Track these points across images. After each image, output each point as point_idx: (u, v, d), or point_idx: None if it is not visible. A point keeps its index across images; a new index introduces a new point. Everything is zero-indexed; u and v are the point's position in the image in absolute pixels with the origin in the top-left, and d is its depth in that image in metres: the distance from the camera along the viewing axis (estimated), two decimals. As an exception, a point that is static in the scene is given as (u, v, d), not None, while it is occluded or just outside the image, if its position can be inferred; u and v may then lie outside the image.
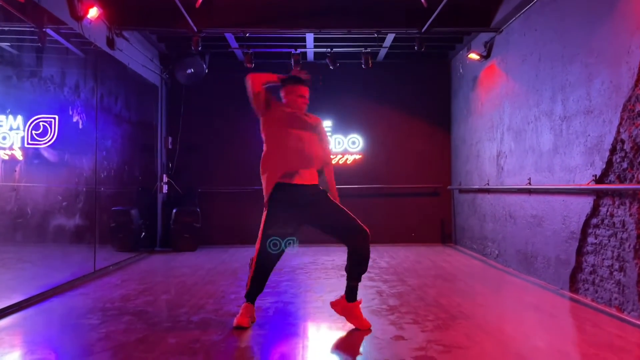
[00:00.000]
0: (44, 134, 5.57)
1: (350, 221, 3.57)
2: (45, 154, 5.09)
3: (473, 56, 7.11)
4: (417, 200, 8.89)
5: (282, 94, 3.86)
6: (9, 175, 4.86)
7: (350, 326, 3.60)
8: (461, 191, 8.33)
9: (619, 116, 3.99)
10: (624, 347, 3.19)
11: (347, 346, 3.25)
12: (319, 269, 6.09)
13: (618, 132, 4.01)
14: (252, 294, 3.63)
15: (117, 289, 5.03)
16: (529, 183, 5.61)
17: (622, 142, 3.96)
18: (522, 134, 5.89)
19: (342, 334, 3.49)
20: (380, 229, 8.66)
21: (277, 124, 3.69)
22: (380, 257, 7.17)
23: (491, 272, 6.04)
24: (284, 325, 3.70)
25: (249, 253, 7.35)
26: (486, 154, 7.11)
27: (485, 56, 6.96)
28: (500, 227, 6.53)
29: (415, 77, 8.91)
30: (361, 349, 3.18)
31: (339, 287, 5.02)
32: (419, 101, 8.93)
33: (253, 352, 3.11)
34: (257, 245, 3.57)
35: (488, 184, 6.96)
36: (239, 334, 3.45)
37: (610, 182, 4.11)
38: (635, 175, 3.81)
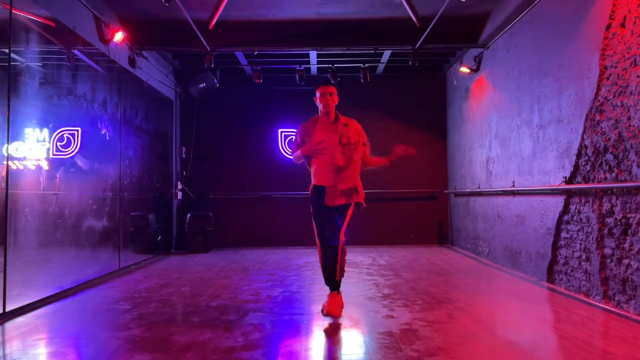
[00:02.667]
0: (67, 145, 6.17)
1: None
2: (79, 162, 5.69)
3: (464, 69, 7.70)
4: (416, 204, 9.43)
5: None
6: (46, 181, 5.45)
7: (347, 309, 4.15)
8: (456, 195, 8.88)
9: (582, 125, 4.55)
10: (582, 322, 3.73)
11: (343, 324, 3.79)
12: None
13: (582, 138, 4.57)
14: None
15: (141, 283, 5.62)
16: (513, 185, 6.16)
17: (586, 147, 4.52)
18: (507, 141, 6.45)
19: (340, 314, 4.04)
20: (381, 232, 9.25)
21: None
22: (380, 256, 7.72)
23: (481, 268, 6.57)
24: (291, 308, 4.26)
25: (259, 254, 8.01)
26: (477, 160, 7.67)
27: (475, 69, 7.54)
28: (489, 227, 7.07)
29: (412, 89, 9.51)
30: (356, 325, 3.73)
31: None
32: (417, 111, 9.51)
33: (265, 327, 3.66)
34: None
35: (479, 187, 7.51)
36: (252, 314, 4.02)
37: (578, 183, 4.66)
38: (596, 177, 4.36)
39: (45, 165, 6.00)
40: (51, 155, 6.03)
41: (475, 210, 7.76)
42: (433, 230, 9.43)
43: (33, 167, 5.94)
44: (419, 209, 9.42)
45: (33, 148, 5.81)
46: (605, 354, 2.98)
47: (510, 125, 6.30)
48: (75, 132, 6.27)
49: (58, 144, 6.15)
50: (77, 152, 6.08)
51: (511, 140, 6.30)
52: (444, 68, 9.37)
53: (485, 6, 6.57)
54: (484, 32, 7.02)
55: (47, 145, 6.14)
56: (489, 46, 7.01)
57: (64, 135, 6.19)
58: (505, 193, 6.44)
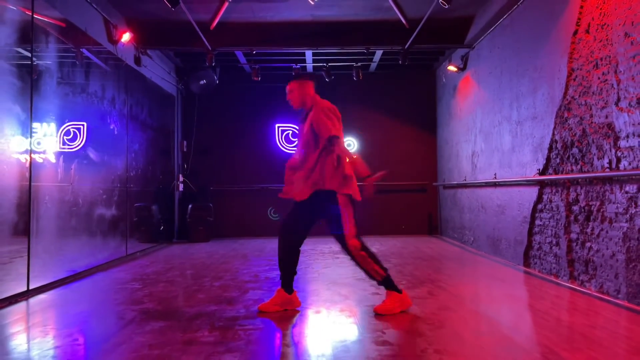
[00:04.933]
0: (73, 139, 6.55)
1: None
2: (91, 155, 6.10)
3: (451, 68, 8.13)
4: (407, 196, 9.89)
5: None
6: (60, 173, 5.85)
7: (338, 288, 4.60)
8: (445, 187, 9.33)
9: (553, 121, 4.99)
10: (546, 298, 4.18)
11: (334, 298, 4.23)
12: (317, 253, 7.10)
13: (553, 134, 5.01)
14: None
15: (148, 267, 6.05)
16: (495, 177, 6.60)
17: (556, 142, 4.96)
18: (490, 135, 6.89)
19: (331, 292, 4.48)
20: (373, 222, 9.69)
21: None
22: (371, 244, 8.10)
23: (465, 255, 7.03)
24: (287, 288, 4.69)
25: (257, 243, 8.46)
26: (464, 154, 8.11)
27: (462, 68, 7.97)
28: (474, 216, 7.52)
29: (404, 86, 9.94)
30: (345, 299, 4.16)
31: (333, 265, 6.07)
32: (409, 107, 9.95)
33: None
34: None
35: (465, 179, 7.96)
36: (253, 292, 4.46)
37: (549, 174, 5.11)
38: (564, 169, 4.81)
39: (52, 159, 6.39)
40: (58, 149, 6.42)
41: (462, 201, 8.21)
42: (423, 221, 9.89)
43: (41, 161, 6.33)
44: (410, 200, 9.88)
45: (41, 142, 6.20)
46: (558, 320, 3.44)
47: (493, 121, 6.74)
48: (81, 127, 6.65)
49: (64, 137, 6.54)
50: (83, 146, 6.47)
51: (493, 135, 6.74)
52: (434, 66, 9.80)
53: (469, 9, 6.99)
54: (469, 33, 7.44)
55: (54, 139, 6.53)
56: (474, 47, 7.44)
57: (70, 130, 6.57)
58: (487, 185, 6.89)
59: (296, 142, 4.01)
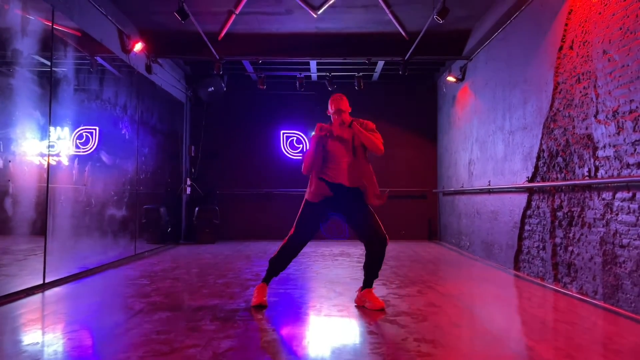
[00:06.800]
0: (86, 142, 6.87)
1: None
2: (104, 158, 6.43)
3: (451, 79, 8.41)
4: (408, 202, 10.16)
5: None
6: (73, 174, 6.18)
7: (334, 286, 4.88)
8: (444, 194, 9.59)
9: (541, 132, 5.26)
10: (528, 297, 4.44)
11: (330, 295, 4.50)
12: (318, 255, 7.38)
13: (541, 143, 5.28)
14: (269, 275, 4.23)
15: (156, 265, 6.36)
16: (489, 185, 6.86)
17: (543, 151, 5.23)
18: (485, 144, 7.16)
19: (327, 290, 4.76)
20: (374, 227, 9.96)
21: None
22: (371, 248, 8.42)
23: (460, 259, 7.28)
24: (287, 284, 4.98)
25: (261, 246, 8.77)
26: (461, 161, 8.38)
27: (461, 79, 8.25)
28: (470, 222, 7.78)
29: (406, 95, 10.24)
30: (340, 296, 4.44)
31: (332, 266, 6.35)
32: (410, 116, 10.24)
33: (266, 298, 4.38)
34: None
35: (462, 186, 8.22)
36: (254, 289, 4.74)
37: (537, 182, 5.37)
38: (550, 176, 5.07)
39: (65, 161, 6.72)
40: (72, 152, 6.74)
41: (459, 207, 8.47)
42: (423, 226, 10.14)
43: (54, 163, 6.66)
44: (410, 207, 10.15)
45: (55, 145, 6.52)
46: (534, 316, 3.70)
47: (488, 130, 7.01)
48: (93, 131, 6.98)
49: (77, 141, 6.86)
50: (95, 149, 6.79)
51: (488, 144, 7.00)
52: (435, 76, 10.09)
53: (468, 23, 7.28)
54: (467, 46, 7.73)
55: (67, 142, 6.86)
56: (471, 58, 7.72)
57: (83, 134, 6.90)
58: (482, 192, 7.15)
59: (330, 146, 4.29)
